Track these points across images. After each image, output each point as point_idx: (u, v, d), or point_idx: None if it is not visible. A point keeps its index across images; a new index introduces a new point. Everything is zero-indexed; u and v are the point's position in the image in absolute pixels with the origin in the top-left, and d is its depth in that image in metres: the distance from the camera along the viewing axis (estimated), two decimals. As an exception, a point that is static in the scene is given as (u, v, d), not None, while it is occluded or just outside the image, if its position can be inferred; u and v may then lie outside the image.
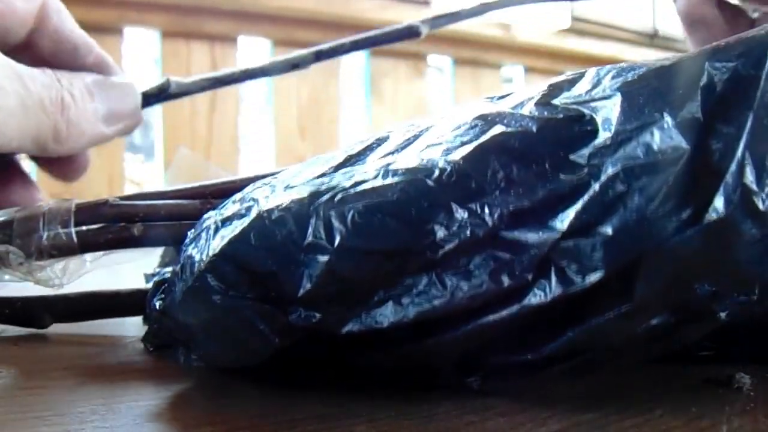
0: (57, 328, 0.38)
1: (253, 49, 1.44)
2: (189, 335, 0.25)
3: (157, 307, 0.27)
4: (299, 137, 1.39)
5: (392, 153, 0.24)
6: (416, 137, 0.24)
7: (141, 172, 2.79)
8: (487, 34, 1.59)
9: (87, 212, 0.35)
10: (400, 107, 1.49)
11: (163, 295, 0.27)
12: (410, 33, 0.51)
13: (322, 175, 0.24)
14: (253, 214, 0.23)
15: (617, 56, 1.74)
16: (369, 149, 0.25)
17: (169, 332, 0.27)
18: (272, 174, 0.30)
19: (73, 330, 0.37)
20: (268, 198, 0.24)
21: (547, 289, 0.21)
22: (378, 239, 0.21)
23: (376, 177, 0.22)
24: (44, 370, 0.29)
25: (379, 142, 0.25)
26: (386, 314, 0.22)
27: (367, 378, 0.25)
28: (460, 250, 0.21)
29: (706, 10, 0.50)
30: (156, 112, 1.33)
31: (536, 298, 0.21)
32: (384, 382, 0.25)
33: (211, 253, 0.23)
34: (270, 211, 0.22)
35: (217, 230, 0.24)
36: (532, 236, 0.21)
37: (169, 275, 0.27)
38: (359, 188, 0.22)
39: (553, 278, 0.21)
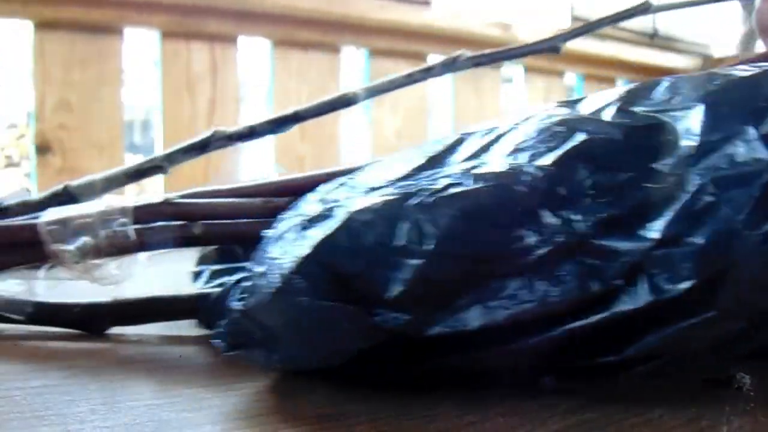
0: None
1: (253, 49, 1.44)
2: (271, 336, 0.25)
3: (238, 308, 0.26)
4: (299, 137, 1.39)
5: (475, 156, 0.24)
6: (496, 140, 0.24)
7: (141, 172, 2.79)
8: (487, 34, 1.59)
9: (145, 211, 0.35)
10: (400, 107, 1.49)
11: (244, 296, 0.26)
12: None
13: (406, 177, 0.23)
14: (341, 215, 0.23)
15: (617, 56, 1.74)
16: (449, 151, 0.24)
17: (246, 333, 0.26)
18: (340, 173, 0.30)
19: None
20: (352, 199, 0.23)
21: (637, 297, 0.21)
22: (469, 244, 0.21)
23: (464, 181, 0.22)
24: (44, 369, 0.29)
25: (458, 144, 0.25)
26: (474, 317, 0.22)
27: (427, 379, 0.25)
28: (550, 256, 0.21)
29: None
30: (156, 112, 1.32)
31: (626, 305, 0.21)
32: (433, 384, 0.25)
33: (299, 255, 0.23)
34: (360, 213, 0.22)
35: (303, 231, 0.24)
36: (622, 244, 0.21)
37: (244, 275, 0.27)
38: (449, 192, 0.22)
39: (644, 286, 0.21)
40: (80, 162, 1.21)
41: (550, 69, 1.70)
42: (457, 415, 0.23)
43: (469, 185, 0.22)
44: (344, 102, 0.49)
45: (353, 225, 0.22)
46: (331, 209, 0.24)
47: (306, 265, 0.23)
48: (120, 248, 0.35)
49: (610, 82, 1.84)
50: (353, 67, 1.57)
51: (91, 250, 0.35)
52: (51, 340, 0.35)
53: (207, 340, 0.35)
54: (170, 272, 0.39)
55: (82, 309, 0.36)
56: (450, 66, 0.50)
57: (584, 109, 0.23)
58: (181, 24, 1.29)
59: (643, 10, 0.52)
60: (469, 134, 0.25)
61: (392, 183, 0.23)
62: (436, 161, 0.24)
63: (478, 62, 0.51)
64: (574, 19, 1.68)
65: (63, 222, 0.35)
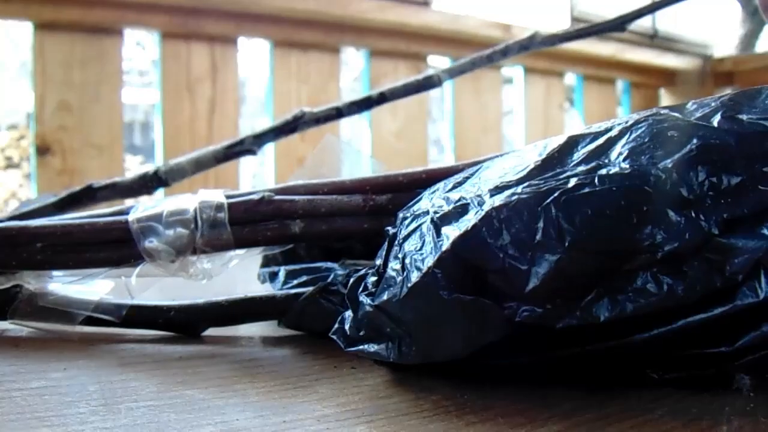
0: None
1: (253, 49, 1.44)
2: (407, 330, 0.26)
3: (369, 303, 0.27)
4: (299, 137, 1.39)
5: (594, 158, 0.25)
6: (611, 143, 0.25)
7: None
8: (487, 34, 1.59)
9: (241, 209, 0.35)
10: (400, 107, 1.49)
11: (372, 290, 0.27)
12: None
13: (529, 177, 0.25)
14: (477, 213, 0.24)
15: (617, 56, 1.74)
16: (564, 153, 0.25)
17: (375, 328, 0.27)
18: (441, 171, 0.32)
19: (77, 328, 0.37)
20: (482, 198, 0.25)
21: (758, 290, 0.22)
22: (602, 241, 0.23)
23: (592, 181, 0.23)
24: (45, 370, 0.29)
25: (572, 146, 0.26)
26: (603, 310, 0.23)
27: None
28: (677, 253, 0.22)
29: None
30: (156, 112, 1.33)
31: (747, 298, 0.22)
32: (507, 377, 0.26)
33: (439, 250, 0.24)
34: (497, 211, 0.24)
35: (438, 228, 0.25)
36: (744, 242, 0.22)
37: (366, 271, 0.28)
38: (582, 192, 0.23)
39: (763, 280, 0.22)
40: (80, 163, 1.21)
41: (550, 69, 1.70)
42: (458, 415, 0.23)
43: (599, 186, 0.23)
44: (429, 83, 0.50)
45: (491, 222, 0.24)
46: (464, 206, 0.25)
47: (446, 260, 0.24)
48: (216, 247, 0.34)
49: (610, 82, 1.84)
50: (353, 67, 1.57)
51: (185, 249, 0.34)
52: (50, 340, 0.35)
53: (205, 339, 0.35)
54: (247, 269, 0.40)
55: (176, 311, 0.36)
56: (526, 46, 0.52)
57: (689, 115, 0.25)
58: (181, 24, 1.29)
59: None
60: (580, 136, 0.26)
61: (518, 183, 0.25)
62: (553, 162, 0.25)
63: (552, 42, 0.52)
64: (574, 19, 1.68)
65: (155, 218, 0.34)
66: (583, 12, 1.70)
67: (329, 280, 0.35)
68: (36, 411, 0.24)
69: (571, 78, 1.81)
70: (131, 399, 0.25)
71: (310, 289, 0.35)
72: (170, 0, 1.29)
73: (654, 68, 1.87)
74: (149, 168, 0.49)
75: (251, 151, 0.49)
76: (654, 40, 1.86)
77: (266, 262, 0.43)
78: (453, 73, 0.51)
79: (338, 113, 0.48)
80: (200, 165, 0.47)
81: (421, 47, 1.53)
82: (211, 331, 0.37)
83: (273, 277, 0.40)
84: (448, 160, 1.64)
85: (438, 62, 1.69)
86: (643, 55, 1.82)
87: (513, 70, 1.71)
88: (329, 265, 0.38)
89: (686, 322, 0.23)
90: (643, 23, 1.86)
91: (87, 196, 0.47)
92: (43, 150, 1.20)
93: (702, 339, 0.23)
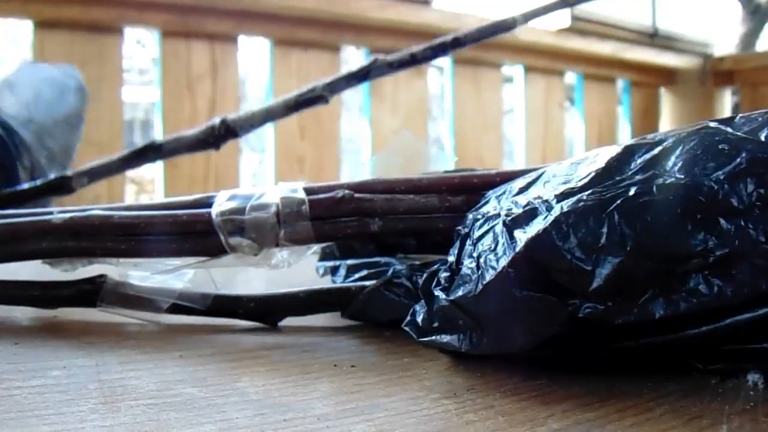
0: (52, 320, 0.38)
1: (253, 48, 1.44)
2: (479, 323, 0.28)
3: (444, 297, 0.29)
4: (299, 137, 1.39)
5: (651, 167, 0.27)
6: (665, 154, 0.27)
7: (141, 172, 2.79)
8: (487, 33, 1.59)
9: (323, 206, 0.36)
10: (400, 107, 1.49)
11: (446, 285, 0.30)
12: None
13: (592, 184, 0.27)
14: (547, 217, 0.26)
15: (617, 55, 1.74)
16: (624, 162, 0.27)
17: (449, 321, 0.29)
18: (512, 174, 0.34)
19: (79, 319, 0.37)
20: (547, 203, 0.27)
21: None
22: (660, 245, 0.25)
23: (650, 190, 0.26)
24: (45, 368, 0.29)
25: (630, 155, 0.27)
26: (658, 308, 0.25)
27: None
28: (727, 258, 0.25)
29: None
30: (156, 112, 1.32)
31: None
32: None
33: (513, 251, 0.26)
34: (566, 216, 0.26)
35: (510, 230, 0.27)
36: None
37: (438, 267, 0.31)
38: (642, 200, 0.25)
39: None
40: (80, 161, 1.21)
41: (550, 69, 1.69)
42: (457, 414, 0.23)
43: (657, 194, 0.25)
44: (504, 27, 0.51)
45: (560, 226, 0.26)
46: (532, 211, 0.27)
47: (519, 260, 0.26)
48: (297, 241, 0.36)
49: (610, 81, 1.84)
50: (353, 68, 1.57)
51: (269, 243, 0.36)
52: (50, 339, 0.35)
53: (204, 337, 0.35)
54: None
55: (256, 302, 0.38)
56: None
57: (737, 129, 0.27)
58: (181, 23, 1.29)
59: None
60: (636, 146, 0.28)
61: (582, 189, 0.27)
62: (613, 171, 0.27)
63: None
64: (574, 18, 1.68)
65: (237, 212, 0.36)
66: (583, 11, 1.70)
67: (391, 273, 0.38)
68: (36, 409, 0.24)
69: (571, 77, 1.81)
70: (131, 397, 0.25)
71: (374, 281, 0.38)
72: (170, -2, 1.28)
73: (654, 67, 1.87)
74: (215, 119, 0.49)
75: (323, 98, 0.49)
76: (654, 39, 1.86)
77: (324, 255, 0.45)
78: (529, 17, 0.54)
79: (411, 59, 0.49)
80: (270, 114, 0.49)
81: (421, 46, 1.53)
82: (211, 328, 0.37)
83: (335, 270, 0.43)
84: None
85: (438, 61, 1.69)
86: (643, 54, 1.82)
87: (513, 68, 1.71)
88: (387, 259, 0.41)
89: (734, 320, 0.25)
90: (644, 22, 1.86)
91: (152, 150, 0.49)
92: (43, 148, 1.20)
93: (747, 336, 0.25)
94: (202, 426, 0.22)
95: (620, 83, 1.87)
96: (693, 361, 0.26)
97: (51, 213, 0.38)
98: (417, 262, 0.38)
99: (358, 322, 0.38)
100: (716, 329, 0.25)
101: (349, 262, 0.43)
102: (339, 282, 0.42)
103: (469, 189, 0.36)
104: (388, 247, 0.42)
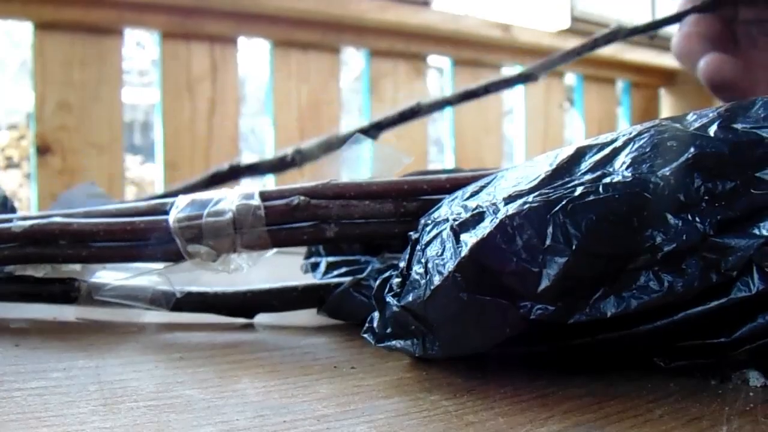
0: (53, 322, 0.38)
1: (253, 49, 1.44)
2: (430, 328, 0.28)
3: (395, 303, 0.29)
4: (299, 137, 1.39)
5: (600, 167, 0.27)
6: (615, 154, 0.27)
7: (141, 173, 2.79)
8: (487, 34, 1.59)
9: (278, 213, 0.37)
10: (400, 106, 1.49)
11: (398, 291, 0.30)
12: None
13: (540, 186, 0.27)
14: (492, 220, 0.26)
15: (616, 56, 1.74)
16: (573, 163, 0.27)
17: (402, 326, 0.29)
18: (463, 180, 0.33)
19: (82, 321, 0.37)
20: (497, 206, 0.27)
21: (751, 285, 0.24)
22: (607, 244, 0.25)
23: (596, 189, 0.26)
24: (45, 370, 0.29)
25: (580, 156, 0.28)
26: (609, 306, 0.25)
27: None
28: (676, 253, 0.25)
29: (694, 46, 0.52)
30: (156, 113, 1.32)
31: (741, 293, 0.24)
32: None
33: (459, 256, 0.26)
34: (511, 218, 0.26)
35: (457, 235, 0.27)
36: (737, 241, 0.24)
37: (390, 273, 0.31)
38: (587, 200, 0.25)
39: (756, 276, 0.24)
40: (80, 162, 1.21)
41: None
42: (457, 415, 0.23)
43: (603, 193, 0.25)
44: (526, 78, 0.59)
45: (505, 229, 0.26)
46: (480, 214, 0.27)
47: (465, 264, 0.26)
48: (254, 248, 0.37)
49: (610, 82, 1.85)
50: (353, 68, 1.57)
51: (227, 250, 0.36)
52: (50, 341, 0.35)
53: (203, 339, 0.35)
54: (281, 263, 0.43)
55: (230, 298, 0.39)
56: (611, 37, 0.59)
57: (688, 126, 0.27)
58: (181, 24, 1.29)
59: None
60: (587, 147, 0.28)
61: (529, 192, 0.27)
62: (562, 172, 0.27)
63: (632, 33, 0.59)
64: (574, 19, 1.68)
65: (195, 219, 0.36)
66: (583, 12, 1.70)
67: (364, 274, 0.38)
68: (36, 411, 0.24)
69: (571, 78, 1.81)
70: (131, 399, 0.25)
71: (348, 280, 0.38)
72: (170, 0, 1.29)
73: (654, 68, 1.87)
74: (287, 151, 0.61)
75: (372, 136, 0.55)
76: (654, 40, 1.86)
77: (310, 253, 0.46)
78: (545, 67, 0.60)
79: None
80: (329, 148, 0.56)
81: (420, 47, 1.53)
82: (209, 329, 0.37)
83: (315, 267, 0.44)
84: (448, 160, 1.64)
85: (437, 62, 1.69)
86: (643, 55, 1.82)
87: (513, 69, 1.71)
88: (368, 258, 0.41)
89: (686, 314, 0.25)
90: (643, 22, 1.86)
91: (233, 174, 0.57)
92: (43, 150, 1.20)
93: (702, 330, 0.25)
94: (202, 428, 0.22)
95: (620, 84, 1.87)
96: (655, 358, 0.27)
97: (11, 221, 0.38)
98: (397, 261, 0.38)
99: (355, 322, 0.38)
100: (669, 324, 0.25)
101: (330, 259, 0.43)
102: (318, 279, 0.42)
103: (420, 193, 0.36)
104: (375, 246, 0.42)
